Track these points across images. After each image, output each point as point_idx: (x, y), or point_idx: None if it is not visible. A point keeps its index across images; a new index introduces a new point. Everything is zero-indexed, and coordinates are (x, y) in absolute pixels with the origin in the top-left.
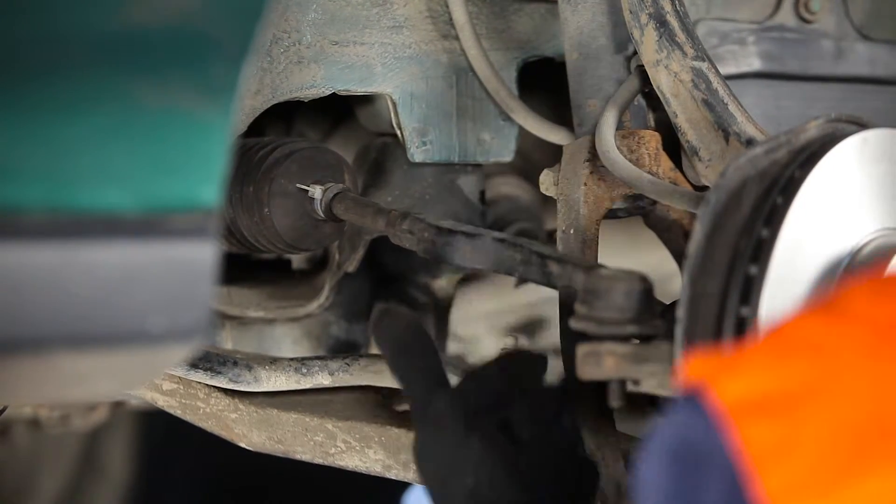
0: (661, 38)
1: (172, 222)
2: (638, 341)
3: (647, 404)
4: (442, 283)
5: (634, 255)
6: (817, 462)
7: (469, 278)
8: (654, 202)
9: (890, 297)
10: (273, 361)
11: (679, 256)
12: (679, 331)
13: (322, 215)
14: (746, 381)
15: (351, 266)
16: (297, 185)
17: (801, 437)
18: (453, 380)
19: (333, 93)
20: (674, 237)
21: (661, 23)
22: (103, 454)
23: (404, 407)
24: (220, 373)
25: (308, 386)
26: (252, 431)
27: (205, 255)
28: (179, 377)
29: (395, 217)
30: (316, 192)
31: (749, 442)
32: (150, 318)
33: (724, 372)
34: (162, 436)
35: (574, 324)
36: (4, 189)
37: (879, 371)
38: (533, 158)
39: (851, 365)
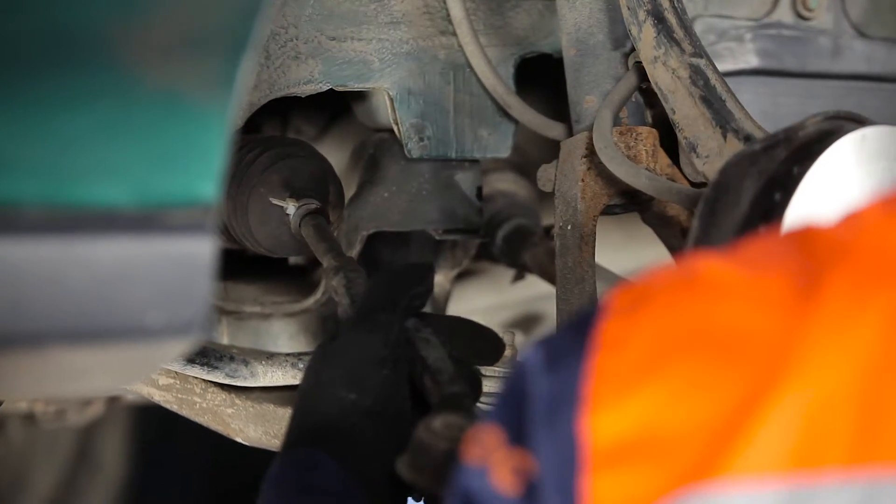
0: (658, 34)
1: (171, 217)
2: None
3: None
4: (439, 279)
5: (631, 251)
6: (640, 353)
7: (466, 274)
8: (652, 199)
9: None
10: (270, 356)
11: (677, 253)
12: None
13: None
14: (635, 287)
15: None
16: (271, 200)
17: (638, 329)
18: None
19: (330, 88)
20: (671, 234)
21: (659, 19)
22: (98, 449)
23: None
24: (216, 368)
25: None
26: (249, 426)
27: (203, 250)
28: (176, 372)
29: (330, 268)
30: (289, 208)
31: (605, 330)
32: (148, 313)
33: (630, 284)
34: (157, 431)
35: (399, 467)
36: (1, 184)
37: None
38: (530, 154)
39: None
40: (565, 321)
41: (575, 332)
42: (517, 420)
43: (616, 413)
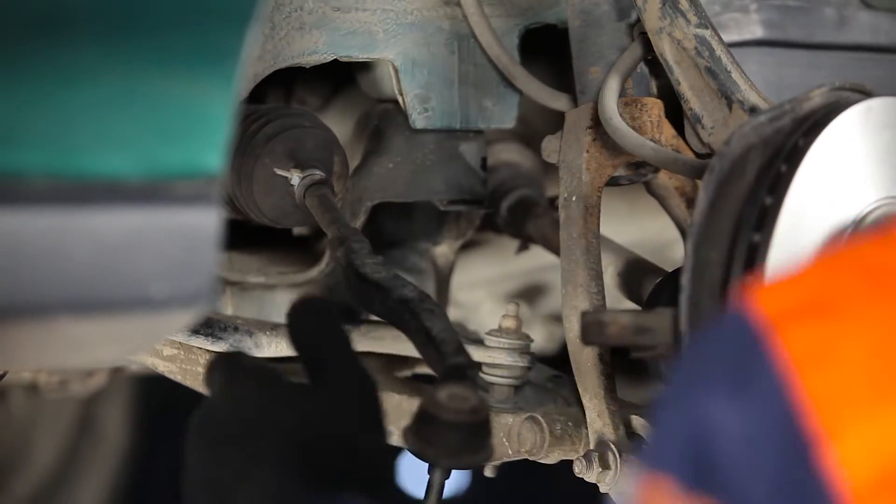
0: (664, 5)
1: (175, 188)
2: None
3: (649, 372)
4: (443, 250)
5: (636, 222)
6: (865, 370)
7: (470, 244)
8: (657, 169)
9: None
10: (274, 327)
11: (681, 224)
12: (683, 298)
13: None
14: (790, 290)
15: None
16: (276, 171)
17: (847, 343)
18: None
19: (335, 59)
20: (676, 205)
21: None
22: (101, 419)
23: (405, 373)
24: (221, 338)
25: None
26: None
27: (208, 221)
28: (180, 343)
29: (335, 239)
30: (294, 178)
31: (791, 345)
32: (152, 285)
33: (767, 287)
34: (160, 401)
35: (404, 435)
36: (7, 155)
37: None
38: (535, 125)
39: None
40: (697, 335)
41: (740, 349)
42: (692, 460)
43: (866, 442)
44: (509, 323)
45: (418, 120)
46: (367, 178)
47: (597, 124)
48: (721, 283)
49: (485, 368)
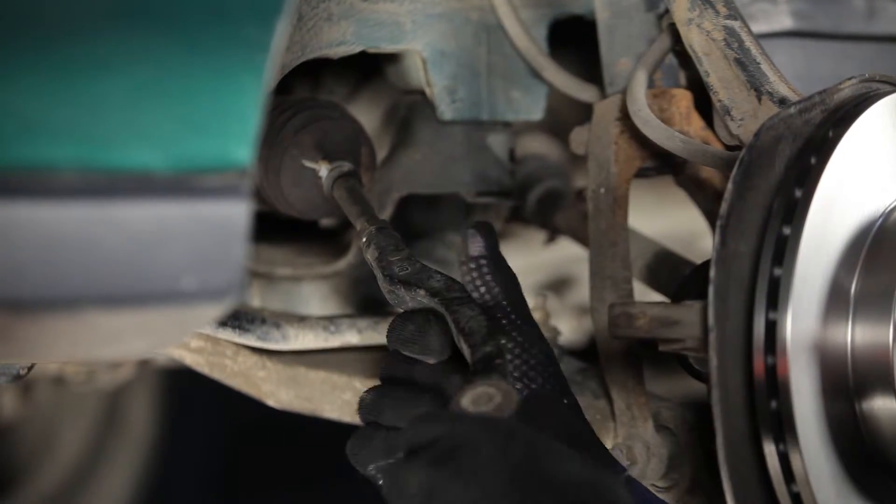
0: None
1: (205, 181)
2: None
3: (677, 365)
4: None
5: (664, 214)
6: None
7: (498, 236)
8: (685, 161)
9: None
10: (301, 319)
11: (710, 216)
12: (711, 291)
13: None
14: None
15: None
16: (304, 162)
17: None
18: None
19: (362, 50)
20: (704, 197)
21: None
22: (126, 411)
23: None
24: (248, 331)
25: (336, 344)
26: (280, 389)
27: (238, 214)
28: (207, 335)
29: (363, 229)
30: (322, 170)
31: None
32: (182, 277)
33: None
34: (183, 394)
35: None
36: (37, 148)
37: None
38: (562, 117)
39: None
40: None
41: None
42: None
43: None
44: (537, 315)
45: (446, 111)
46: (394, 170)
47: (625, 116)
48: (750, 275)
49: None
